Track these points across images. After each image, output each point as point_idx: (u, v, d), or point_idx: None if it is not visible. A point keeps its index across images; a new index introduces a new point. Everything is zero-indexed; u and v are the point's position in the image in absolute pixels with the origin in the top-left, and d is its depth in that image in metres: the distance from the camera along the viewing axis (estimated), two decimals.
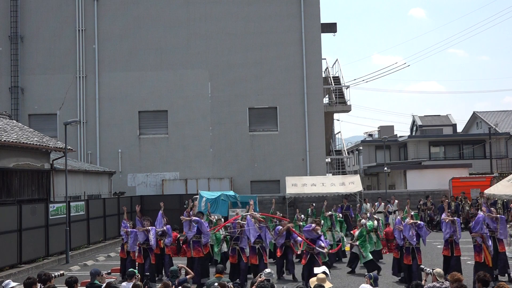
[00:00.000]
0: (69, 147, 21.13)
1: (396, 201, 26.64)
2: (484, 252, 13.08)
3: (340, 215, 20.51)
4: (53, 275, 9.42)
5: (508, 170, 37.45)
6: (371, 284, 9.26)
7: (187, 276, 10.95)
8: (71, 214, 20.26)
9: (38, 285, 8.87)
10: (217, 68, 31.31)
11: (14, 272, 16.06)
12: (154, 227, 14.83)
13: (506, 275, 13.96)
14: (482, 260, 12.99)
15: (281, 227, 14.90)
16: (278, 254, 15.11)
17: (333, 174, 35.44)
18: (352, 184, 27.18)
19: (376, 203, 26.43)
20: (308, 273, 12.89)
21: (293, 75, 31.10)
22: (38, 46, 31.49)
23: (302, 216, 18.44)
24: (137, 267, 14.08)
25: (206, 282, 11.04)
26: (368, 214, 17.18)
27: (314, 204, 25.39)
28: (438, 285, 8.82)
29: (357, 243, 15.41)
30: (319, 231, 13.93)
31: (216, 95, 31.22)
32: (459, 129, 52.45)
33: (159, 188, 30.70)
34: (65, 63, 31.39)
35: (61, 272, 10.56)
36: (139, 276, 10.28)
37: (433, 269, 9.42)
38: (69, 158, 21.82)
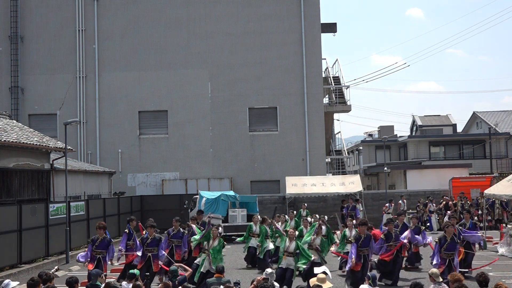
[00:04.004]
0: (69, 147, 21.12)
1: (405, 201, 26.87)
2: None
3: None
4: (52, 272, 9.37)
5: (508, 170, 37.45)
6: (370, 284, 9.27)
7: (186, 274, 10.88)
8: (71, 214, 20.24)
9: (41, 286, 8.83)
10: (217, 68, 31.31)
11: (14, 272, 16.04)
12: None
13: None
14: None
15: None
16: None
17: (333, 174, 35.42)
18: (352, 184, 27.14)
19: (387, 204, 26.43)
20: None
21: (293, 75, 31.10)
22: (38, 46, 31.50)
23: (287, 216, 18.22)
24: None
25: (206, 282, 11.04)
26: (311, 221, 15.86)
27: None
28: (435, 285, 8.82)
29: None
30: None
31: (216, 95, 31.22)
32: (459, 129, 52.47)
33: (159, 188, 30.71)
34: (65, 63, 31.40)
35: (56, 268, 10.42)
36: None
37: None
38: (69, 158, 21.82)
